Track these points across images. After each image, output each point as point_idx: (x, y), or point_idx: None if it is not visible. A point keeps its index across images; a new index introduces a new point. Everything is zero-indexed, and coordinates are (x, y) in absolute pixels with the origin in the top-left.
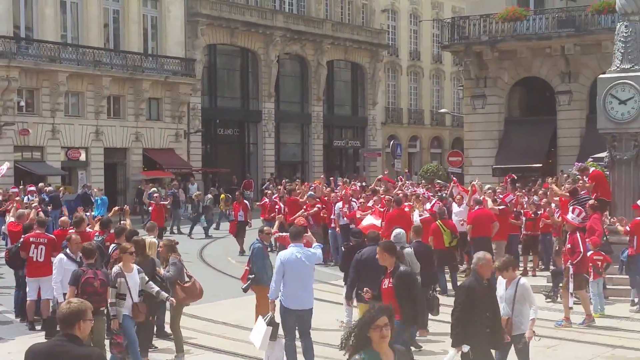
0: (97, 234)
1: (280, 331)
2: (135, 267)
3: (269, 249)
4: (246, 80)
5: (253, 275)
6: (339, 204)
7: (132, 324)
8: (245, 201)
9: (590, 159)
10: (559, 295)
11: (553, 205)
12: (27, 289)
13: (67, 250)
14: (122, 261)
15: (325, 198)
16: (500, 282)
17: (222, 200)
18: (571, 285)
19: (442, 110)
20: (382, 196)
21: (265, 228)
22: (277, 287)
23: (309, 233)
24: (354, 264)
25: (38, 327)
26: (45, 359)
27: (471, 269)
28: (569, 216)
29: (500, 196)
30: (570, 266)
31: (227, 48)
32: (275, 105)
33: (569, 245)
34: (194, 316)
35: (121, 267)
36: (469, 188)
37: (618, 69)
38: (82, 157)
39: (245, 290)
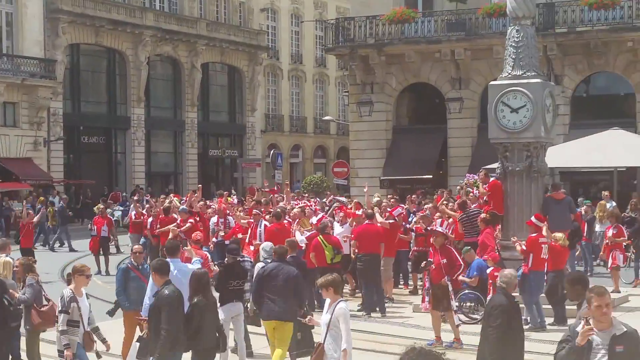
0: None
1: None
2: (84, 290)
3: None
4: (113, 83)
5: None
6: (214, 219)
7: (85, 355)
8: (109, 216)
9: (481, 170)
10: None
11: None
12: None
13: None
14: (75, 284)
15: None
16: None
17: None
18: (454, 303)
19: (327, 118)
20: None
21: (135, 247)
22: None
23: (189, 247)
24: (257, 279)
25: None
26: None
27: (497, 286)
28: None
29: (388, 209)
30: (448, 282)
31: (92, 48)
32: (145, 111)
33: (444, 260)
34: (53, 342)
35: (73, 290)
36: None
37: (509, 76)
38: None
39: (110, 313)
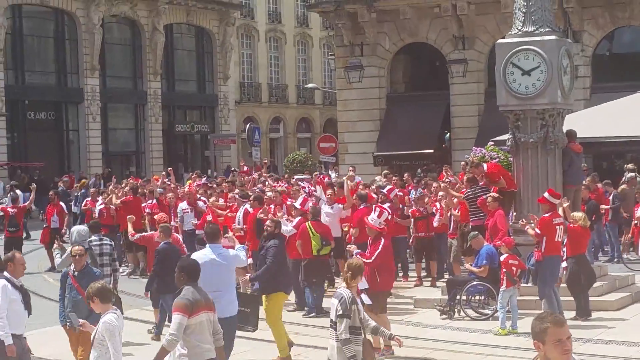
0: None
1: None
2: None
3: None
4: (62, 50)
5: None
6: (183, 204)
7: None
8: (61, 204)
9: (490, 143)
10: (456, 310)
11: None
12: None
13: (7, 274)
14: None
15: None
16: None
17: None
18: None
19: (310, 85)
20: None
21: (74, 248)
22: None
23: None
24: None
25: None
26: None
27: None
28: (370, 217)
29: (384, 191)
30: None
31: (37, 9)
32: (100, 82)
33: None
34: None
35: None
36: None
37: (520, 33)
38: None
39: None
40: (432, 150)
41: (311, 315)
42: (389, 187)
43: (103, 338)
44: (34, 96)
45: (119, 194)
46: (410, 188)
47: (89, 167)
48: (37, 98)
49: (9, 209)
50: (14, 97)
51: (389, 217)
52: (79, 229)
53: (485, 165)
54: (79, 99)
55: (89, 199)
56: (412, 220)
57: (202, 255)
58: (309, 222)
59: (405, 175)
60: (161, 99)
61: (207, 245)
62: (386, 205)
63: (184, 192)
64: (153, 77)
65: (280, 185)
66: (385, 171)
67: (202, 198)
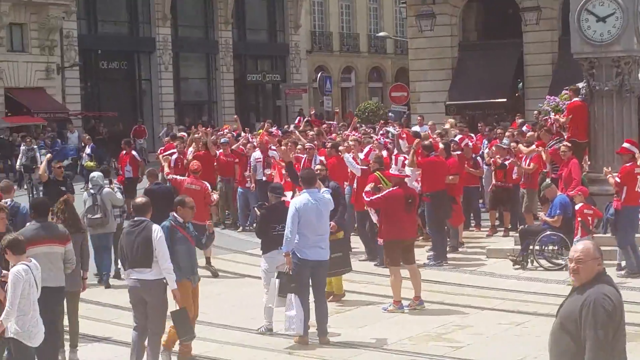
0: None
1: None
2: None
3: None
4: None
5: None
6: (256, 154)
7: None
8: (134, 153)
9: (564, 91)
10: (529, 260)
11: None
12: None
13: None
14: None
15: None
16: None
17: None
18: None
19: (382, 34)
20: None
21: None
22: (293, 238)
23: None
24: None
25: None
26: None
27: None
28: (392, 169)
29: (455, 139)
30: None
31: None
32: (172, 31)
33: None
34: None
35: None
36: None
37: None
38: None
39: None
40: (504, 99)
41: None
42: (459, 136)
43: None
44: (106, 46)
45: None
46: (481, 138)
47: (161, 117)
48: (109, 48)
49: None
50: (87, 47)
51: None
52: (96, 174)
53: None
54: (151, 49)
55: (162, 148)
56: (485, 169)
57: (303, 200)
58: (378, 172)
59: (480, 124)
60: (232, 49)
61: (305, 190)
62: (456, 154)
63: (257, 141)
64: (224, 26)
65: (353, 135)
66: (451, 119)
67: (273, 147)
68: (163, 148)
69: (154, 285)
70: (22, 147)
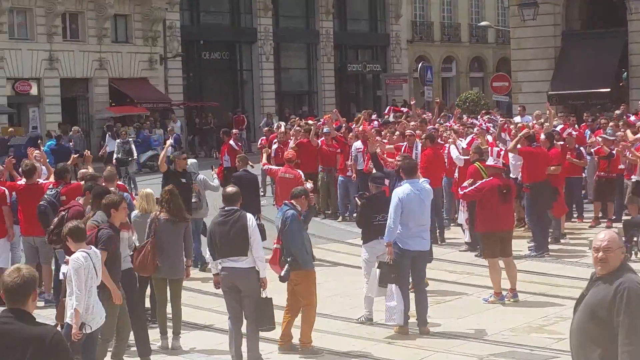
0: (50, 185)
1: None
2: None
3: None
4: None
5: (290, 258)
6: (357, 144)
7: None
8: (231, 142)
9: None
10: (634, 251)
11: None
12: None
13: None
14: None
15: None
16: None
17: None
18: None
19: (484, 24)
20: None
21: (308, 185)
22: (396, 228)
23: None
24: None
25: None
26: None
27: None
28: (489, 160)
29: (557, 129)
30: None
31: None
32: (273, 22)
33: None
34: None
35: None
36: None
37: None
38: (34, 91)
39: (284, 279)
40: (608, 89)
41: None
42: (561, 126)
43: (71, 276)
44: (208, 36)
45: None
46: (584, 128)
47: (262, 107)
48: (211, 38)
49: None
50: (190, 38)
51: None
52: (191, 161)
53: None
54: (252, 39)
55: (264, 138)
56: (596, 159)
57: (406, 190)
58: (478, 162)
59: (585, 114)
60: (333, 39)
61: (406, 180)
62: (559, 144)
63: (358, 131)
64: (325, 16)
65: (452, 125)
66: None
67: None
68: (264, 138)
69: (249, 274)
70: (117, 141)
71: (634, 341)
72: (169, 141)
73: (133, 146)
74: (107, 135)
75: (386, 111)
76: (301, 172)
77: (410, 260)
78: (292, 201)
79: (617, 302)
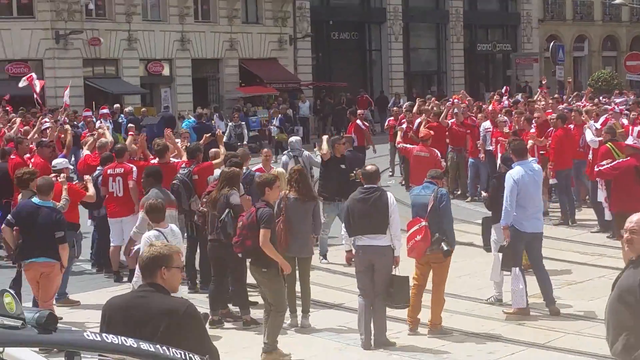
0: (183, 165)
1: None
2: None
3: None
4: None
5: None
6: (486, 124)
7: None
8: (358, 122)
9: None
10: None
11: None
12: (111, 233)
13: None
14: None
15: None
16: None
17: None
18: None
19: (617, 1)
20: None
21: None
22: (512, 211)
23: None
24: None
25: (125, 279)
26: (122, 313)
27: None
28: (628, 139)
29: None
30: None
31: None
32: (403, 1)
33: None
34: None
35: None
36: None
37: None
38: (165, 72)
39: (449, 254)
40: None
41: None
42: None
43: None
44: (337, 16)
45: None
46: None
47: (390, 87)
48: (341, 18)
49: None
50: (319, 18)
51: None
52: (294, 139)
53: None
54: (381, 19)
55: (392, 118)
56: None
57: (520, 172)
58: (610, 143)
59: None
60: (463, 18)
61: (517, 162)
62: None
63: (487, 111)
64: None
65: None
66: None
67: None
68: (392, 118)
69: (386, 251)
70: (230, 124)
71: None
72: (325, 137)
73: (245, 130)
74: (215, 116)
75: (503, 91)
76: (437, 151)
77: (524, 242)
78: (434, 181)
79: None
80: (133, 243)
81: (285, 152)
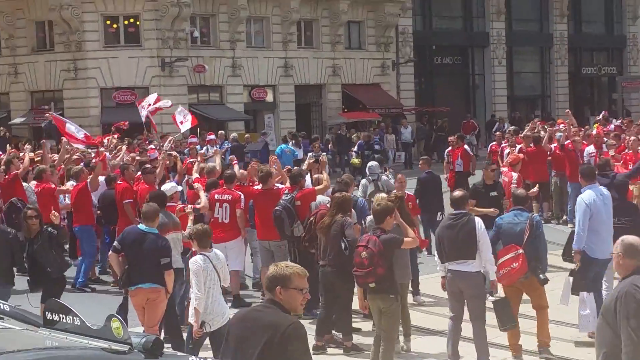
0: (286, 191)
1: None
2: None
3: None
4: None
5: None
6: (590, 148)
7: None
8: (465, 147)
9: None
10: None
11: None
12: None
13: None
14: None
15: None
16: None
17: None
18: None
19: None
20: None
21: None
22: (584, 235)
23: None
24: None
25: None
26: (238, 325)
27: None
28: None
29: None
30: None
31: None
32: (506, 25)
33: None
34: None
35: None
36: None
37: None
38: (269, 98)
39: (545, 282)
40: None
41: None
42: None
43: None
44: (440, 41)
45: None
46: None
47: (494, 111)
48: (443, 43)
49: None
50: (422, 43)
51: None
52: (373, 164)
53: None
54: (484, 43)
55: (494, 143)
56: None
57: (592, 196)
58: None
59: None
60: (567, 41)
61: (586, 187)
62: None
63: (591, 135)
64: (559, 19)
65: None
66: None
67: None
68: (495, 143)
69: (474, 277)
70: (310, 154)
71: (628, 343)
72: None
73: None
74: (291, 142)
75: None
76: (514, 174)
77: (598, 268)
78: (524, 207)
79: (618, 307)
80: None
81: (365, 176)
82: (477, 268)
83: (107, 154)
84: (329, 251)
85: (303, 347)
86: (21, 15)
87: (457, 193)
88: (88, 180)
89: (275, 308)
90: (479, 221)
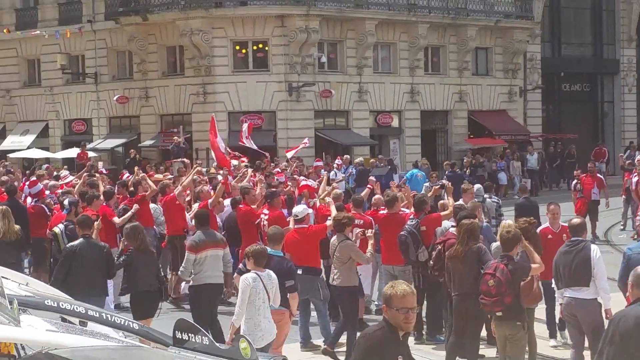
0: (411, 216)
1: None
2: None
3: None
4: (599, 20)
5: None
6: None
7: None
8: (599, 175)
9: None
10: None
11: None
12: None
13: None
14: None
15: None
16: None
17: None
18: None
19: None
20: None
21: None
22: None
23: None
24: None
25: None
26: None
27: None
28: None
29: None
30: None
31: None
32: (637, 52)
33: None
34: None
35: None
36: None
37: None
38: (395, 123)
39: None
40: None
41: None
42: None
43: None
44: (569, 68)
45: None
46: None
47: (622, 139)
48: (572, 70)
49: None
50: (550, 70)
51: None
52: (477, 187)
53: None
54: (614, 70)
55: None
56: None
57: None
58: None
59: None
60: None
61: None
62: None
63: None
64: None
65: None
66: None
67: None
68: (628, 171)
69: (589, 304)
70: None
71: None
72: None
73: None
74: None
75: None
76: None
77: None
78: None
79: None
80: (181, 281)
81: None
82: (592, 295)
83: (230, 177)
84: (465, 280)
85: None
86: (153, 41)
87: (576, 220)
88: (209, 201)
89: (385, 326)
90: (595, 248)
